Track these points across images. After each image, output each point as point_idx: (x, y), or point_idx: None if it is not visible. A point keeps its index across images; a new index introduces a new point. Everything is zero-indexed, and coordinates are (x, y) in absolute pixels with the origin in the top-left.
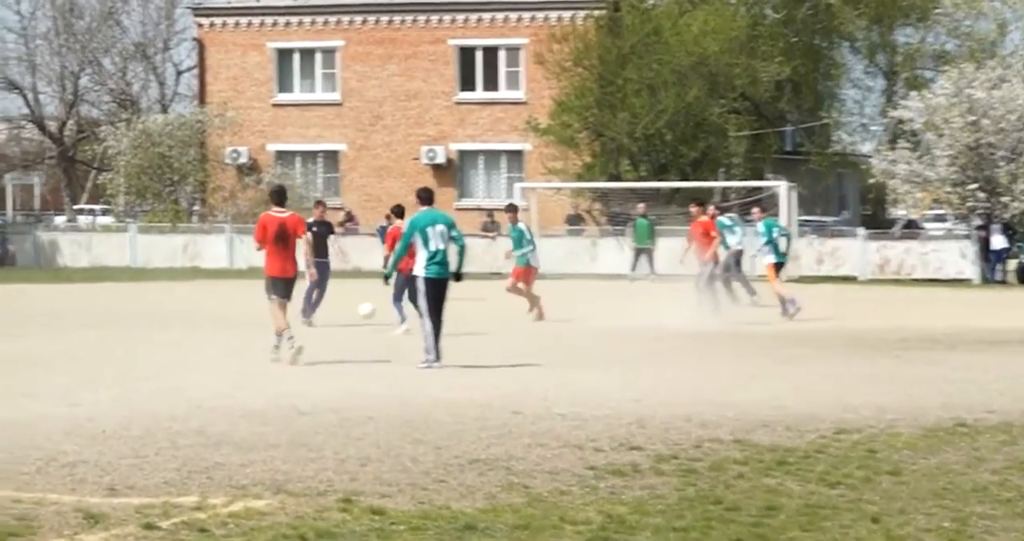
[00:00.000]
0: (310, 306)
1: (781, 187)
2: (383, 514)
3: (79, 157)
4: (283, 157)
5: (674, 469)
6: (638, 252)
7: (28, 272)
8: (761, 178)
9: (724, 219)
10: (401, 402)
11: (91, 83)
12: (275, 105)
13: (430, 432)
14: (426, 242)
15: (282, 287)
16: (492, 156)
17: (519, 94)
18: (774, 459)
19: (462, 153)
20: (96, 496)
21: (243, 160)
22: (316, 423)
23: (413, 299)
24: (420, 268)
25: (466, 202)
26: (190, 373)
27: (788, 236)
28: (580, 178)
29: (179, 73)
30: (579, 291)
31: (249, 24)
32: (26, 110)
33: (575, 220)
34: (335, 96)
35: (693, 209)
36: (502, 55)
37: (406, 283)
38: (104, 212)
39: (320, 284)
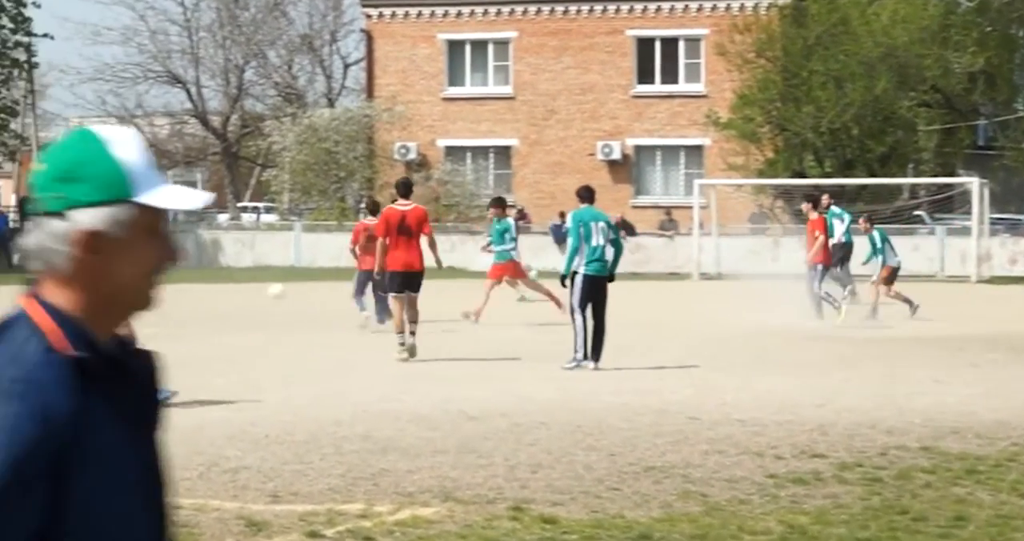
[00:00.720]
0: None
1: (973, 184)
2: (555, 523)
3: (243, 153)
4: (453, 153)
5: (858, 478)
6: None
7: (190, 271)
8: (952, 174)
9: (835, 208)
10: (573, 407)
11: (256, 76)
12: (445, 99)
13: (603, 438)
14: (588, 238)
15: (404, 282)
16: (670, 151)
17: (699, 87)
18: (963, 468)
19: (639, 148)
20: (259, 503)
21: (412, 156)
22: (485, 428)
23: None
24: (580, 265)
25: (642, 199)
26: (355, 376)
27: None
28: (762, 174)
29: (346, 66)
30: (759, 292)
31: (419, 15)
32: (189, 105)
33: (759, 218)
34: (507, 89)
35: (804, 206)
36: (682, 46)
37: (367, 278)
38: (268, 210)
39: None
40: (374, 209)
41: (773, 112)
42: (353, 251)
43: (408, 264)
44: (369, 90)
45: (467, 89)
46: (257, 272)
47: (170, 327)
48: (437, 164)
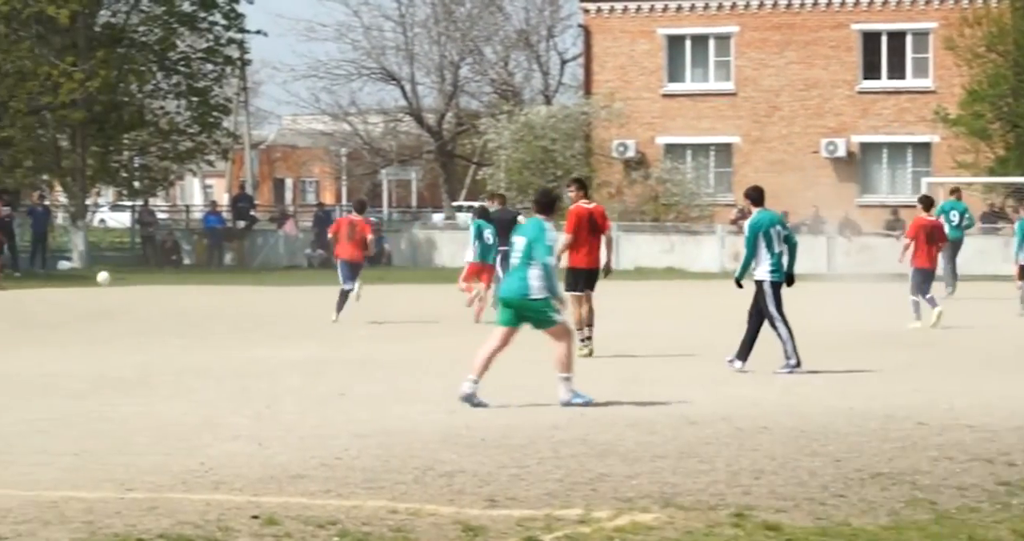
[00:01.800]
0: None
1: None
2: (778, 530)
3: (458, 151)
4: (672, 150)
5: None
6: None
7: (404, 272)
8: None
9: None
10: (796, 411)
11: (471, 73)
12: (665, 95)
13: (828, 443)
14: (770, 245)
15: (586, 280)
16: (897, 149)
17: (927, 82)
18: None
19: (864, 146)
20: (475, 508)
21: (630, 154)
22: (706, 433)
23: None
24: (765, 272)
25: (868, 198)
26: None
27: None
28: (993, 173)
29: (563, 62)
30: (992, 293)
31: (638, 9)
32: (403, 102)
33: (991, 218)
34: (729, 85)
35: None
36: (909, 40)
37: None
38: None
39: None
40: (360, 208)
41: (1004, 108)
42: (331, 241)
43: (591, 262)
44: (587, 86)
45: (687, 85)
46: None
47: (386, 329)
48: (656, 162)
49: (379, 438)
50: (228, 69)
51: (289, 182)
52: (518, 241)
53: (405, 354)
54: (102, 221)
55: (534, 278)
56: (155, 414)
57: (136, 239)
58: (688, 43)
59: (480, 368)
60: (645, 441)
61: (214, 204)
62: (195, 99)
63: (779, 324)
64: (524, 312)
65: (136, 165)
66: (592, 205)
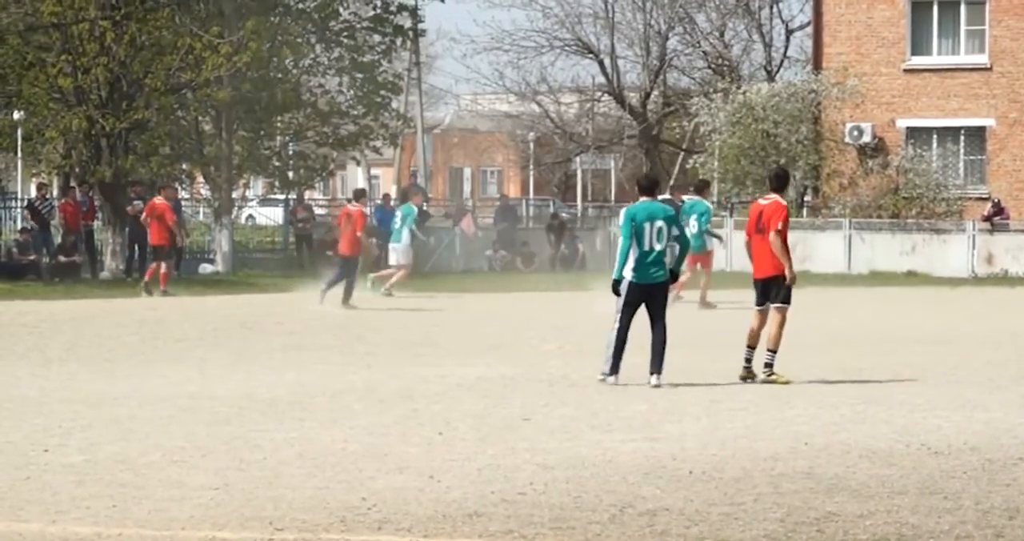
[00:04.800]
0: None
1: None
2: None
3: (665, 136)
4: (916, 135)
5: None
6: None
7: (602, 275)
8: None
9: None
10: None
11: (681, 45)
12: (907, 71)
13: None
14: (640, 239)
15: (762, 290)
16: None
17: None
18: None
19: None
20: None
21: (866, 139)
22: (952, 465)
23: None
24: (629, 269)
25: None
26: (794, 402)
27: None
28: None
29: (789, 32)
30: None
31: None
32: (602, 79)
33: None
34: (983, 59)
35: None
36: None
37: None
38: None
39: None
40: (359, 196)
41: None
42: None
43: (761, 268)
44: (816, 61)
45: (934, 59)
46: None
47: (580, 341)
48: (896, 148)
49: (569, 470)
50: (398, 41)
51: (468, 172)
52: None
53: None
54: (250, 217)
55: None
56: (310, 441)
57: (289, 238)
58: (935, 9)
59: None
60: (881, 474)
61: (387, 197)
62: (360, 76)
63: (615, 328)
64: None
65: (290, 152)
66: (769, 201)
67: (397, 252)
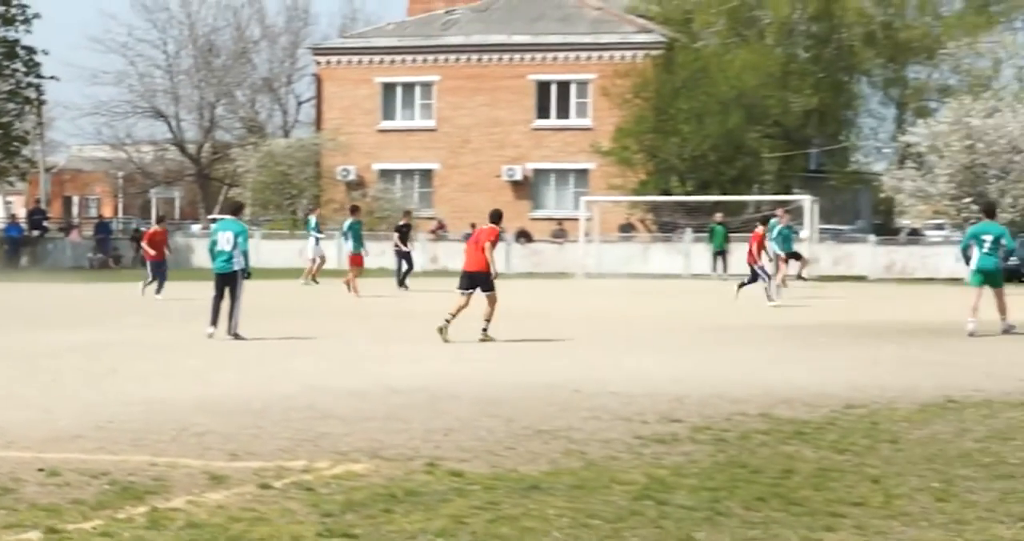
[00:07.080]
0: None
1: (806, 200)
2: (461, 476)
3: (213, 175)
4: (385, 174)
5: (708, 438)
6: (715, 255)
7: (170, 271)
8: (789, 193)
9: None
10: (479, 381)
11: (225, 112)
12: (380, 131)
13: (504, 407)
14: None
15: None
16: (562, 174)
17: (587, 121)
18: (792, 430)
19: (537, 171)
20: (220, 460)
21: (351, 177)
22: (408, 400)
23: None
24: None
25: (539, 213)
26: (300, 358)
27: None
28: (636, 192)
29: (299, 103)
30: (632, 288)
31: (360, 62)
32: (169, 135)
33: (627, 228)
34: (431, 123)
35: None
36: (573, 88)
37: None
38: None
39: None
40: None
41: (646, 142)
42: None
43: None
44: (318, 123)
45: (398, 122)
46: None
47: (155, 317)
48: (372, 184)
49: (144, 406)
50: (27, 108)
51: (76, 199)
52: None
53: (170, 339)
54: None
55: None
56: None
57: None
58: (399, 89)
59: None
60: (358, 407)
61: (13, 217)
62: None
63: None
64: None
65: None
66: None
67: None
